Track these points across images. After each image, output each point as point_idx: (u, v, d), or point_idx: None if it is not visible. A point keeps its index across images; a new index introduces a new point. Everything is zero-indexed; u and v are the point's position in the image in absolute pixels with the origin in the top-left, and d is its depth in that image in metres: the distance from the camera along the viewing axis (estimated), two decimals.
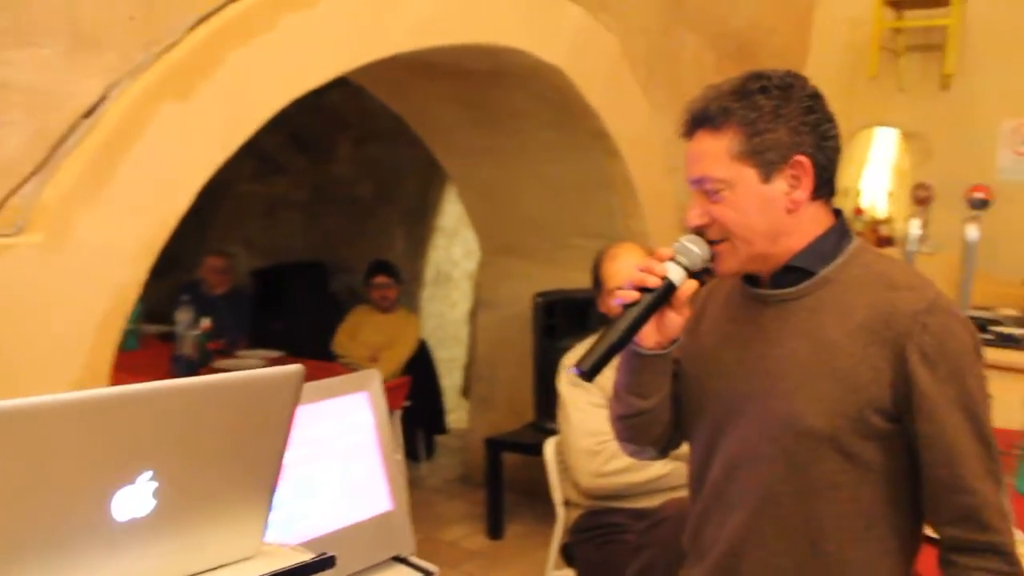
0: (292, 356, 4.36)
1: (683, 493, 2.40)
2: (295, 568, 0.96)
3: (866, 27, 4.98)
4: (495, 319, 4.82)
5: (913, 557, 1.37)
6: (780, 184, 1.29)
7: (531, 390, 4.19)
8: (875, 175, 5.47)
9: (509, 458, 4.11)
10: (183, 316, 4.01)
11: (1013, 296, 4.29)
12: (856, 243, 1.36)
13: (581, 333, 4.15)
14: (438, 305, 6.30)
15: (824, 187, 1.32)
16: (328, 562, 0.99)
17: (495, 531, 3.98)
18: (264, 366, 4.02)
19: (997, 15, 4.75)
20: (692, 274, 1.32)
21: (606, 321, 4.38)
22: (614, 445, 2.46)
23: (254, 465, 0.98)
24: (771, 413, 1.32)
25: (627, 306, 1.29)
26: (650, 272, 1.30)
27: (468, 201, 4.84)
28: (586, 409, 2.50)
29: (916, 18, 4.91)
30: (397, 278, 5.02)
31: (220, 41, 2.28)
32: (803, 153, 1.28)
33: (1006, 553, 1.25)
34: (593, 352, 1.29)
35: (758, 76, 1.30)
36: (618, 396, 1.46)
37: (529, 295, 4.35)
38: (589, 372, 1.28)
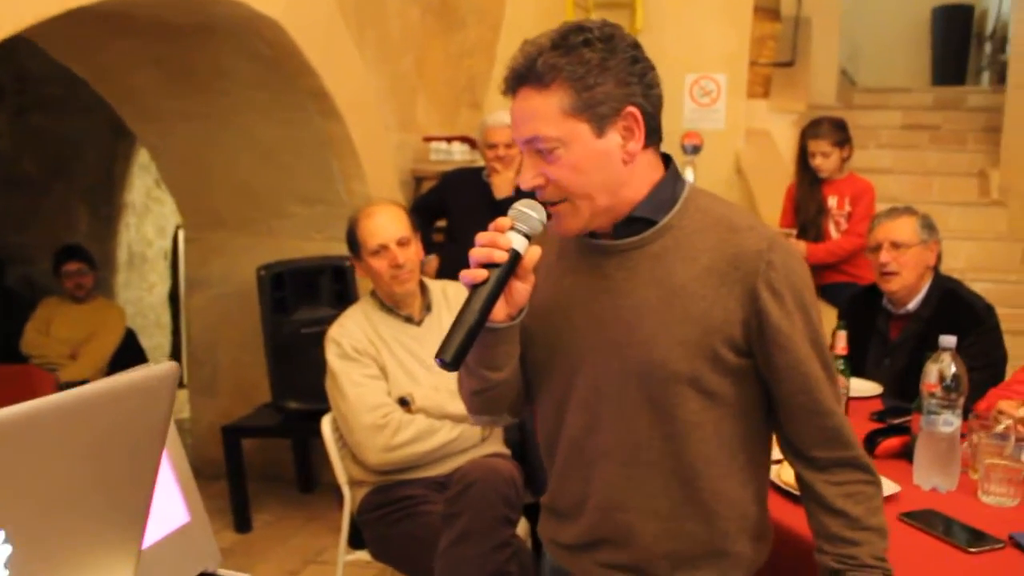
0: None
1: (473, 455, 2.38)
2: None
3: None
4: (209, 299, 4.46)
5: (766, 481, 1.43)
6: (614, 137, 1.27)
7: (263, 370, 3.93)
8: None
9: (245, 444, 3.84)
10: None
11: None
12: (689, 187, 1.37)
13: (314, 304, 3.97)
14: (134, 290, 5.73)
15: (653, 135, 1.31)
16: None
17: (243, 524, 3.71)
18: None
19: None
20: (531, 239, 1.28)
21: (340, 279, 4.12)
22: (399, 415, 2.36)
23: (124, 495, 0.77)
24: (631, 362, 1.31)
25: (476, 285, 1.23)
26: (495, 246, 1.24)
27: (168, 172, 4.41)
28: (363, 383, 2.35)
29: None
30: (91, 263, 4.49)
31: None
32: (633, 103, 1.26)
33: (867, 465, 1.34)
34: (452, 339, 1.21)
35: (579, 28, 1.25)
36: (470, 372, 1.38)
37: (245, 269, 4.07)
38: (452, 362, 1.21)
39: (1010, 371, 2.52)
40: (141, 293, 5.82)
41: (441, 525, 2.10)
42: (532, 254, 1.26)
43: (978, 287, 2.98)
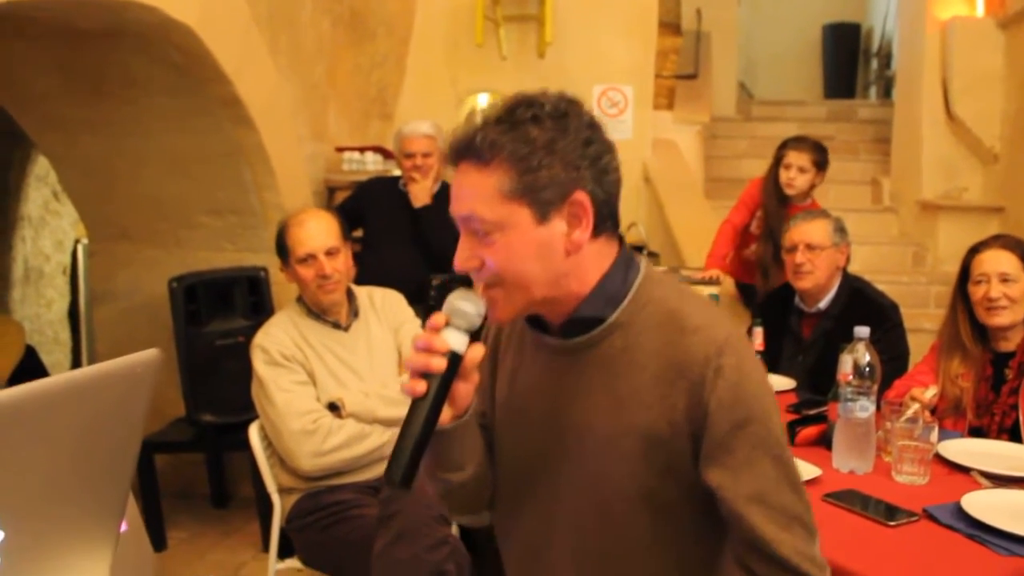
0: None
1: None
2: None
3: None
4: (116, 312, 4.33)
5: None
6: (558, 224, 1.15)
7: (176, 383, 3.83)
8: None
9: (157, 460, 3.74)
10: None
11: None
12: (642, 275, 1.24)
13: (229, 316, 3.90)
14: (31, 306, 5.50)
15: (605, 223, 1.19)
16: None
17: (157, 542, 3.60)
18: None
19: None
20: (472, 334, 1.16)
21: (256, 290, 4.03)
22: (329, 420, 2.35)
23: (107, 477, 0.77)
24: (583, 473, 1.23)
25: (418, 399, 1.12)
26: (431, 350, 1.12)
27: (70, 183, 4.26)
28: (291, 388, 2.33)
29: None
30: None
31: None
32: (581, 189, 1.14)
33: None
34: (398, 459, 1.10)
35: (529, 103, 1.15)
36: (431, 478, 1.28)
37: (154, 282, 3.98)
38: (402, 483, 1.11)
39: (912, 365, 2.67)
40: (39, 309, 5.59)
41: (375, 527, 2.09)
42: (474, 354, 1.15)
43: None
